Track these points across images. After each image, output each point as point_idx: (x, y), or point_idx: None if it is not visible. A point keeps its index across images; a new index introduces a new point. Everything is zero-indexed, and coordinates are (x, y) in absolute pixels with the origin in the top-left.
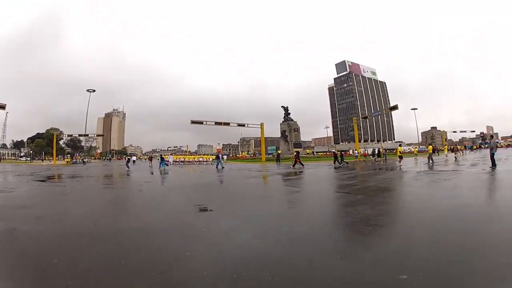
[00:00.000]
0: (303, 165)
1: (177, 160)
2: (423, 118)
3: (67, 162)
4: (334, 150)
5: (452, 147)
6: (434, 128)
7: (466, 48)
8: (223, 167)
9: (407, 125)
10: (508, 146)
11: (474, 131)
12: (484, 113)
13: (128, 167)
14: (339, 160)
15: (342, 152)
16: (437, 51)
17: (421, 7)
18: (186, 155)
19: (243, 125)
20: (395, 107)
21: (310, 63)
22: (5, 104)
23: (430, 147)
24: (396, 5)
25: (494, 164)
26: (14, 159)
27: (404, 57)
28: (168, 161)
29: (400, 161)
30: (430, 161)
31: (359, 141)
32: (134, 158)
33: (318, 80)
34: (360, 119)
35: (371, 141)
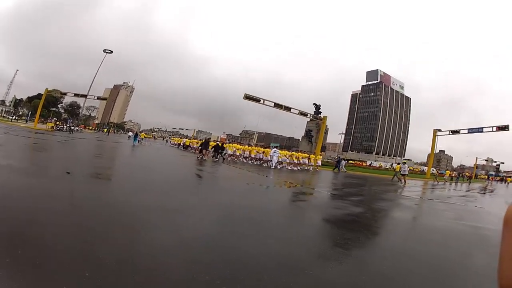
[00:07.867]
0: None
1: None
2: (424, 141)
3: (51, 127)
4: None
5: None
6: (442, 151)
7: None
8: None
9: (411, 145)
10: None
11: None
12: (481, 144)
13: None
14: None
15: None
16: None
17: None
18: (191, 139)
19: (306, 115)
20: (506, 127)
21: (333, 66)
22: None
23: (398, 166)
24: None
25: None
26: (2, 117)
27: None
28: (273, 157)
29: None
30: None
31: (371, 153)
32: (130, 133)
33: (336, 85)
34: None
35: (382, 155)
